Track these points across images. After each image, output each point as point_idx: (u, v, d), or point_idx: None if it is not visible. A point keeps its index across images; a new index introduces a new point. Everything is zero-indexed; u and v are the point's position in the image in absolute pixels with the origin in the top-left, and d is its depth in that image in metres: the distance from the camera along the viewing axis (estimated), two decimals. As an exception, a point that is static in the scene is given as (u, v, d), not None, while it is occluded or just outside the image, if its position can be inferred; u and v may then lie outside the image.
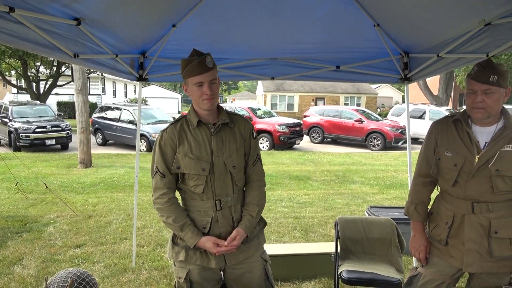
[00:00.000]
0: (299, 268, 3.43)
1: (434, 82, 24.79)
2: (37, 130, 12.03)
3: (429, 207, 2.07)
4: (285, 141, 13.26)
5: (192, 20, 2.82)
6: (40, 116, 13.19)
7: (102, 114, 14.07)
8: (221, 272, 1.95)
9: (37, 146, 12.13)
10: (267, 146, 13.21)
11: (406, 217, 3.77)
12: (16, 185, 6.33)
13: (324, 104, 28.25)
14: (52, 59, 19.91)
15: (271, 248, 3.47)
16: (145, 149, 12.49)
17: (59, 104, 25.19)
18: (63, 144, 12.77)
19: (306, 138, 15.51)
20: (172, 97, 39.52)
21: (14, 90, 24.99)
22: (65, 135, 12.63)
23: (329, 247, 3.55)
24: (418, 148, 9.48)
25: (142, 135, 12.25)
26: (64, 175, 8.39)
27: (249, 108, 14.41)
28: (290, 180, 8.12)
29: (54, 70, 20.57)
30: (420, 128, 14.22)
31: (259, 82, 32.39)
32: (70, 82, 19.03)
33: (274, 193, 6.93)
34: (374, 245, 2.80)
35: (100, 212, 5.58)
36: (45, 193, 6.47)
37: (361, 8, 2.67)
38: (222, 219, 1.82)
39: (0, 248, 4.18)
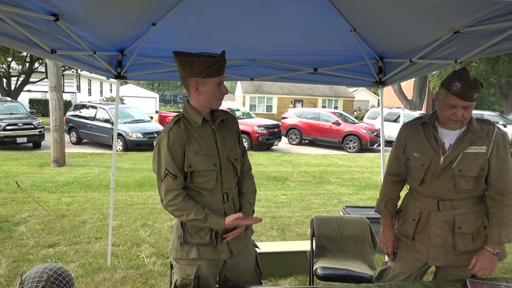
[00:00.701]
0: (276, 266, 3.48)
1: (408, 86, 25.50)
2: (8, 127, 11.62)
3: (399, 204, 2.17)
4: (264, 142, 13.34)
5: (173, 20, 2.83)
6: (11, 113, 12.74)
7: (77, 113, 13.75)
8: None
9: (7, 144, 11.71)
10: (245, 147, 13.23)
11: (379, 216, 3.89)
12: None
13: (302, 106, 28.57)
14: (25, 54, 19.29)
15: (248, 247, 3.51)
16: (121, 148, 12.29)
17: (32, 101, 24.41)
18: (36, 143, 12.39)
19: (284, 139, 15.65)
20: (150, 97, 38.96)
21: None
22: (38, 133, 12.24)
23: (305, 245, 3.62)
24: (392, 151, 9.73)
25: (118, 134, 12.06)
26: (37, 174, 8.15)
27: (228, 109, 14.40)
28: (268, 181, 8.19)
29: (27, 66, 19.93)
30: (395, 131, 14.52)
31: (238, 83, 32.44)
32: (43, 79, 18.45)
33: (252, 193, 6.97)
34: (348, 243, 2.89)
35: (74, 212, 5.47)
36: (16, 192, 6.28)
37: (338, 13, 2.75)
38: (229, 211, 1.88)
39: (-32, 248, 4.04)
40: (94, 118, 13.10)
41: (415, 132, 1.99)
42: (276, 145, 14.45)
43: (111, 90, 34.91)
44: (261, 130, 13.35)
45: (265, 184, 7.84)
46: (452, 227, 1.87)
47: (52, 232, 4.59)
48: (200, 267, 1.83)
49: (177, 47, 2.00)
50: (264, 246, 3.76)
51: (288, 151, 13.61)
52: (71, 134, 13.62)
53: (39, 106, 24.15)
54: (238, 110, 15.58)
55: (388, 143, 15.02)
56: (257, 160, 10.98)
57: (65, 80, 24.38)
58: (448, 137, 1.89)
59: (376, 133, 14.17)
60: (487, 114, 16.21)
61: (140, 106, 18.12)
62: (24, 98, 22.24)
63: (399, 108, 17.30)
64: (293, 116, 16.13)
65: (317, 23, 2.88)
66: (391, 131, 14.73)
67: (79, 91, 27.84)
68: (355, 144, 14.15)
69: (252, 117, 15.25)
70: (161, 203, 1.81)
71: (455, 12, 2.08)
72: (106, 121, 12.76)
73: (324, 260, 2.77)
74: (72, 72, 22.14)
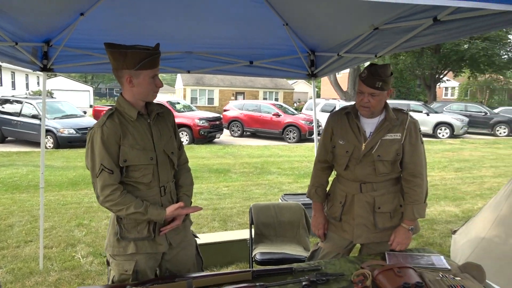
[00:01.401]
0: (218, 256, 3.55)
1: (344, 78, 26.82)
2: None
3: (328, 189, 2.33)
4: (205, 135, 13.27)
5: (103, 10, 2.73)
6: None
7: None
8: None
9: None
10: (186, 140, 13.09)
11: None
12: None
13: (244, 99, 28.77)
14: None
15: (190, 239, 3.53)
16: (51, 145, 11.51)
17: None
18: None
19: (226, 132, 15.69)
20: (83, 90, 36.71)
21: None
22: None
23: (245, 233, 3.72)
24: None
25: (48, 131, 11.26)
26: (-47, 177, 7.39)
27: (167, 102, 14.09)
28: (210, 174, 8.21)
29: None
30: (331, 122, 15.25)
31: (178, 75, 31.73)
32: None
33: (194, 186, 6.94)
34: (285, 228, 3.04)
35: (-1, 215, 5.07)
36: None
37: (270, 7, 2.84)
38: (166, 204, 1.88)
39: None
40: (19, 114, 12.07)
41: (340, 121, 2.15)
42: (218, 137, 14.46)
43: (39, 83, 32.31)
44: (202, 123, 13.26)
45: (207, 177, 7.85)
46: (373, 207, 2.06)
47: (-26, 238, 4.23)
48: (138, 261, 1.83)
49: (108, 39, 1.94)
50: (206, 237, 3.81)
51: (230, 143, 13.69)
52: (-7, 132, 12.47)
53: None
54: (178, 103, 15.28)
55: (326, 133, 15.71)
56: (199, 153, 10.93)
57: (-17, 73, 22.11)
58: (369, 125, 2.07)
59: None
60: (413, 104, 17.58)
61: (72, 100, 17.05)
62: None
63: (335, 99, 18.15)
64: (234, 109, 16.22)
65: (251, 17, 2.96)
66: (328, 121, 15.35)
67: (1, 85, 25.40)
68: (295, 134, 14.61)
69: (193, 110, 15.06)
70: (97, 199, 1.77)
71: (374, 10, 2.27)
72: (34, 116, 11.83)
73: (262, 246, 2.89)
74: (-8, 63, 20.15)
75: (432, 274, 1.72)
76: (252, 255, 2.79)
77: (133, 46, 1.73)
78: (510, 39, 24.24)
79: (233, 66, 3.56)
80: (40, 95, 20.66)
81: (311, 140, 14.79)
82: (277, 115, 15.11)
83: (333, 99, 18.25)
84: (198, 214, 5.23)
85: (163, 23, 2.97)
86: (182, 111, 14.17)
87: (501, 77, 30.18)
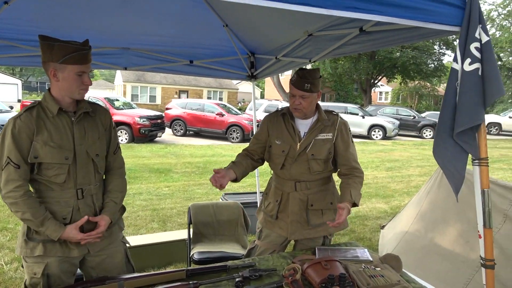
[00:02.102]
0: (156, 257, 3.49)
1: (287, 80, 27.48)
2: None
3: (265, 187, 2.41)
4: (146, 134, 12.88)
5: (31, 0, 2.56)
6: None
7: None
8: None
9: None
10: (126, 139, 12.60)
11: (253, 200, 4.19)
12: None
13: (187, 97, 28.32)
14: None
15: (126, 241, 3.43)
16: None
17: None
18: None
19: (168, 131, 15.36)
20: (10, 83, 33.82)
21: None
22: None
23: (184, 234, 3.70)
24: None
25: (-33, 127, 10.23)
26: None
27: (105, 98, 13.45)
28: (150, 173, 8.00)
29: None
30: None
31: (118, 71, 30.38)
32: None
33: (133, 186, 6.74)
34: (224, 227, 3.08)
35: None
36: None
37: (210, 8, 2.85)
38: (84, 208, 1.79)
39: None
40: None
41: (277, 122, 2.23)
42: (160, 136, 14.11)
43: (-44, 74, 29.15)
44: (143, 121, 12.84)
45: (147, 177, 7.64)
46: (306, 205, 2.17)
47: None
48: (49, 265, 1.75)
49: (37, 30, 1.86)
50: (144, 239, 3.73)
51: (173, 143, 13.43)
52: None
53: None
54: (117, 100, 14.66)
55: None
56: (139, 153, 10.59)
57: None
58: (303, 126, 2.18)
59: (258, 123, 14.94)
60: (350, 107, 18.53)
61: (-4, 94, 15.63)
62: None
63: (278, 100, 18.56)
64: (177, 107, 15.92)
65: (190, 16, 2.94)
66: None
67: None
68: (238, 134, 14.71)
69: (133, 108, 14.54)
70: None
71: (307, 18, 2.38)
72: (-50, 111, 10.71)
73: (200, 246, 2.90)
74: None
75: (356, 265, 1.86)
76: (190, 255, 2.79)
77: (66, 41, 1.68)
78: (435, 49, 26.53)
79: (173, 64, 3.52)
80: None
81: (254, 140, 14.99)
82: (221, 114, 15.10)
83: (276, 100, 18.65)
84: (136, 215, 5.09)
85: (97, 17, 2.85)
86: (122, 109, 13.61)
87: (428, 84, 32.90)
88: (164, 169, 8.54)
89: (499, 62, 30.91)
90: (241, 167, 2.23)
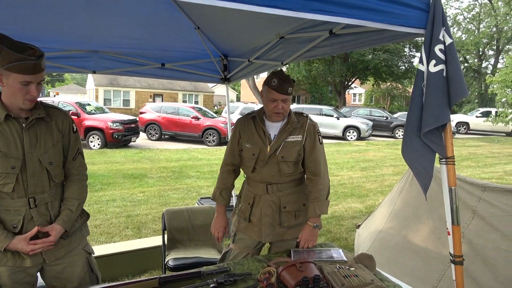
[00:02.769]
0: (130, 265, 3.40)
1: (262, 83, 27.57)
2: None
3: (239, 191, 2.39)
4: (120, 138, 12.59)
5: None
6: None
7: None
8: (38, 272, 1.83)
9: None
10: (98, 144, 12.28)
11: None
12: None
13: (162, 101, 27.95)
14: None
15: (99, 250, 3.33)
16: None
17: None
18: None
19: (143, 135, 15.08)
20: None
21: None
22: None
23: (159, 240, 3.62)
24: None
25: None
26: None
27: (76, 103, 13.09)
28: (124, 179, 7.82)
29: None
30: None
31: (89, 75, 29.64)
32: None
33: (106, 193, 6.57)
34: (199, 232, 3.03)
35: None
36: None
37: (181, 10, 2.81)
38: (37, 217, 1.72)
39: None
40: None
41: (247, 125, 2.22)
42: (134, 141, 13.82)
43: None
44: (116, 126, 12.55)
45: (121, 183, 7.46)
46: (279, 207, 2.17)
47: None
48: (0, 275, 1.67)
49: (2, 31, 1.76)
50: (117, 247, 3.62)
51: (147, 147, 13.20)
52: None
53: None
54: (89, 104, 14.28)
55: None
56: (112, 158, 10.35)
57: None
58: (273, 129, 2.18)
59: (233, 126, 14.92)
60: (325, 108, 18.79)
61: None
62: None
63: (254, 103, 18.60)
64: (151, 111, 15.67)
65: (161, 19, 2.89)
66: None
67: None
68: (214, 137, 14.62)
69: (106, 112, 14.21)
70: None
71: (278, 20, 2.39)
72: None
73: (176, 252, 2.84)
74: None
75: (331, 266, 1.87)
76: (165, 262, 2.73)
77: (25, 44, 1.60)
78: (406, 52, 27.32)
79: (144, 67, 3.46)
80: None
81: (231, 143, 14.94)
82: (196, 118, 14.98)
83: (252, 103, 18.68)
84: (109, 222, 4.95)
85: (62, 18, 2.75)
86: (94, 113, 13.27)
87: (400, 85, 33.82)
88: (139, 174, 8.37)
89: (466, 64, 32.25)
90: (229, 194, 2.36)
